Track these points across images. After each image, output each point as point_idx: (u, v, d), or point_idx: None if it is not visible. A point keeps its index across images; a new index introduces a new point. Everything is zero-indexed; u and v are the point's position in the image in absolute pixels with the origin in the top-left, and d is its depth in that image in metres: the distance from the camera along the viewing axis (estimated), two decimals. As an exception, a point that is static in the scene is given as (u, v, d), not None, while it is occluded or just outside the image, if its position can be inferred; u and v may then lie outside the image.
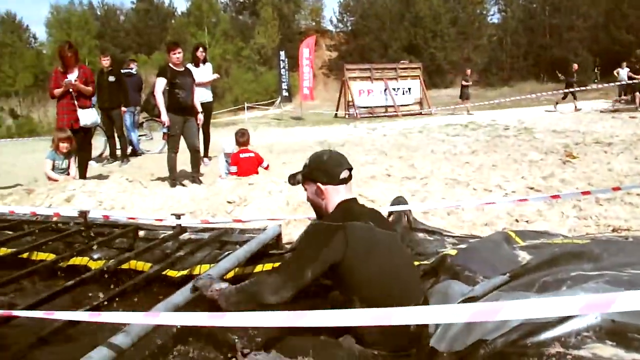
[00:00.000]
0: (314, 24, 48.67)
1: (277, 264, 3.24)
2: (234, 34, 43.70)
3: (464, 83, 21.96)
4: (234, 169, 7.35)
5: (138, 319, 2.08)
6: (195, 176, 8.36)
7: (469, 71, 23.46)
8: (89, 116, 8.12)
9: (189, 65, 9.58)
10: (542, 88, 29.60)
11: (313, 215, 3.95)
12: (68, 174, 7.56)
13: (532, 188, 6.72)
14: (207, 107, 10.51)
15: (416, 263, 2.95)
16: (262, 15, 43.63)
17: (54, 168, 7.52)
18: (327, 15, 68.79)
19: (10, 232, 4.59)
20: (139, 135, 13.61)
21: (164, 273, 3.39)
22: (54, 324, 2.45)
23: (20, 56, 41.03)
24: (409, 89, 24.27)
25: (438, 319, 1.61)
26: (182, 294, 2.55)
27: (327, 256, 2.45)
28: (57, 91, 8.05)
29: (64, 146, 7.57)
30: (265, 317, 1.79)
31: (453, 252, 2.90)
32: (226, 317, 1.87)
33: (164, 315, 2.09)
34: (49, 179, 7.36)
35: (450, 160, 9.13)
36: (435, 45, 40.88)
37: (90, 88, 8.15)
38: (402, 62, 27.95)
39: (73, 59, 8.16)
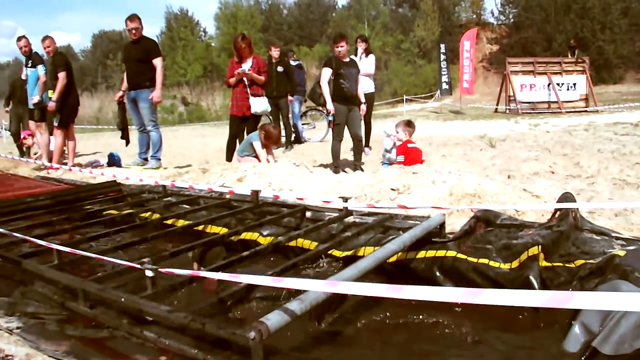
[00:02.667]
0: (474, 16, 47.43)
1: (439, 252, 3.26)
2: (394, 27, 43.69)
3: None
4: (401, 158, 7.41)
5: (319, 287, 2.18)
6: (357, 164, 8.54)
7: None
8: (260, 104, 8.54)
9: (353, 57, 9.81)
10: None
11: (478, 206, 3.92)
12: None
13: None
14: (369, 98, 10.69)
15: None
16: (421, 8, 43.22)
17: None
18: (489, 8, 66.90)
19: (187, 206, 4.97)
20: (303, 124, 14.06)
21: (329, 252, 3.50)
22: (231, 287, 2.63)
23: (191, 49, 43.60)
24: (574, 84, 22.99)
25: (620, 306, 1.55)
26: (357, 267, 2.65)
27: None
28: (232, 80, 8.56)
29: (266, 143, 8.14)
30: (443, 291, 1.83)
31: (621, 253, 2.77)
32: (404, 290, 1.92)
33: (344, 284, 2.16)
34: (256, 157, 8.00)
35: (619, 160, 8.61)
36: (603, 38, 38.14)
37: (262, 77, 8.55)
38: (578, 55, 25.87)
39: (247, 50, 8.61)
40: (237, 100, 8.66)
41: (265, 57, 12.20)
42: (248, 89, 8.48)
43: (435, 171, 5.19)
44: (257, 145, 8.05)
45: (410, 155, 7.37)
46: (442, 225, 3.61)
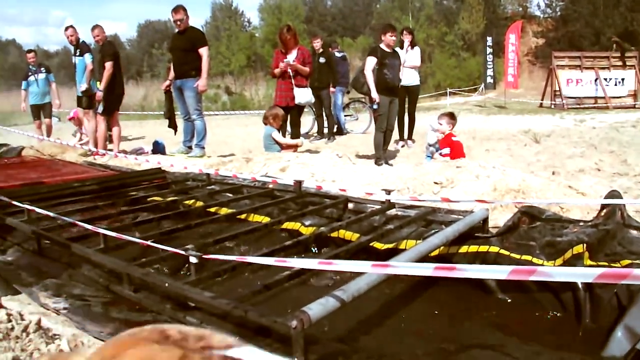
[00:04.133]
0: (520, 9, 46.53)
1: (482, 247, 3.23)
2: (438, 19, 43.19)
3: None
4: (446, 150, 7.35)
5: (367, 268, 2.19)
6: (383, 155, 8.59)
7: None
8: (304, 95, 8.58)
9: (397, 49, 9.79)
10: None
11: (521, 202, 3.86)
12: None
13: None
14: (414, 90, 10.77)
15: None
16: (466, 0, 42.68)
17: None
18: (535, 0, 65.52)
19: (230, 195, 5.02)
20: (345, 116, 14.04)
21: (371, 244, 3.50)
22: (274, 276, 2.65)
23: (235, 39, 43.85)
24: (622, 79, 22.40)
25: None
26: (398, 261, 2.65)
27: None
28: (277, 71, 8.63)
29: (279, 123, 8.19)
30: (495, 270, 1.81)
31: (670, 252, 2.73)
32: (456, 271, 1.90)
33: (394, 265, 2.15)
34: (286, 146, 8.10)
35: (669, 158, 8.43)
36: (655, 31, 37.03)
37: (307, 68, 8.58)
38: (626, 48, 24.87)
39: (292, 41, 8.67)
40: (282, 91, 8.74)
41: (309, 48, 12.20)
42: (292, 80, 8.53)
43: (479, 165, 5.14)
44: (277, 135, 8.16)
45: (454, 149, 7.32)
46: (485, 220, 3.58)
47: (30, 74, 12.11)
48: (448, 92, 26.59)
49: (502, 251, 3.13)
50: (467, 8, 42.18)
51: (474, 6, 41.77)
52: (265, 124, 8.28)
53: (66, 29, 10.17)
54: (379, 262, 2.22)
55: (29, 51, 12.65)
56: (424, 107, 21.25)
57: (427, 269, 1.95)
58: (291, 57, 8.60)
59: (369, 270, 2.21)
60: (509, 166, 6.49)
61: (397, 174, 5.30)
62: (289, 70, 8.53)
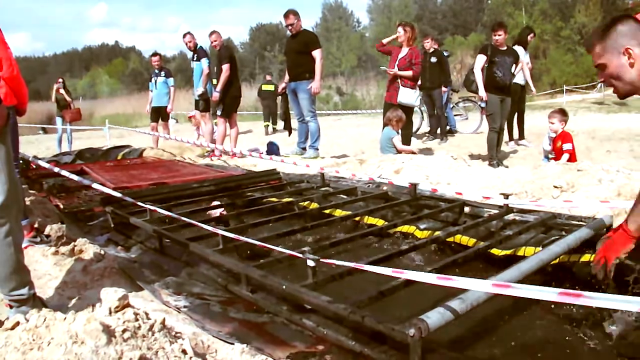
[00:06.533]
0: (643, -1, 43.99)
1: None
2: (553, 13, 41.62)
3: None
4: (569, 146, 7.06)
5: (487, 288, 2.12)
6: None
7: None
8: (407, 95, 8.50)
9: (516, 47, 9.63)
10: None
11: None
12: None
13: None
14: (517, 89, 10.53)
15: None
16: (584, -8, 40.87)
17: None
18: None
19: (345, 197, 5.04)
20: (454, 115, 13.81)
21: (488, 250, 3.40)
22: (391, 282, 2.62)
23: (346, 39, 44.17)
24: None
25: None
26: (519, 269, 2.58)
27: None
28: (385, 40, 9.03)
29: (398, 125, 8.16)
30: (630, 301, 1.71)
31: None
32: (583, 298, 1.80)
33: (515, 287, 2.07)
34: (402, 150, 7.99)
35: None
36: None
37: (409, 72, 8.44)
38: None
39: (402, 39, 8.62)
40: (389, 88, 8.80)
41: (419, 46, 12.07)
42: (399, 79, 8.49)
43: (602, 169, 4.89)
44: (397, 140, 8.09)
45: (566, 140, 7.11)
46: (609, 227, 3.38)
47: (152, 76, 12.50)
48: (564, 90, 25.58)
49: (628, 262, 2.94)
50: (584, 0, 40.28)
51: (591, -2, 39.81)
52: (387, 125, 8.26)
53: (184, 35, 10.56)
54: (500, 283, 2.14)
55: (154, 54, 12.79)
56: (538, 106, 20.53)
57: (551, 294, 1.87)
58: (402, 54, 8.56)
59: (490, 290, 2.14)
60: (633, 169, 6.15)
61: (514, 177, 5.14)
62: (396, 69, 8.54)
